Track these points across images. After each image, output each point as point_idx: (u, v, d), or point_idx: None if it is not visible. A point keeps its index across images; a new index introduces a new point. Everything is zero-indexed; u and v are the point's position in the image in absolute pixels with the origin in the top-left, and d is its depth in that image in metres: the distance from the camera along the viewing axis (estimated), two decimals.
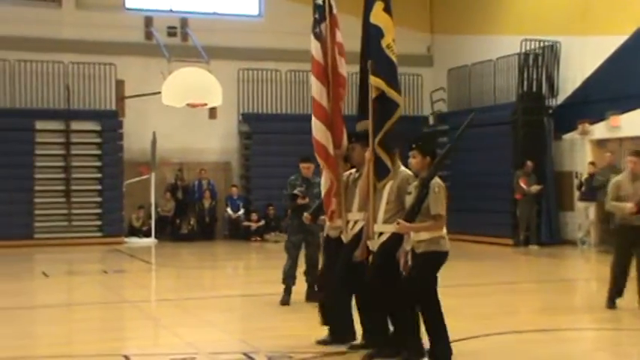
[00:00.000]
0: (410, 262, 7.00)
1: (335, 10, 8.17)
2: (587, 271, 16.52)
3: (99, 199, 21.55)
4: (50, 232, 20.84)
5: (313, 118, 8.10)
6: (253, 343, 8.21)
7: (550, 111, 20.30)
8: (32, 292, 13.33)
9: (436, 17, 25.15)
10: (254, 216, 22.26)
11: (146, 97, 20.85)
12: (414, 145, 7.11)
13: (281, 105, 23.77)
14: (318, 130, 8.05)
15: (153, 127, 21.34)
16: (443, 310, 7.05)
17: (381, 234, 7.29)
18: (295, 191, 10.82)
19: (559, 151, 20.22)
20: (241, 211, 22.54)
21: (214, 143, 23.06)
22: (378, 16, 7.50)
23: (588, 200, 18.62)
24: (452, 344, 7.09)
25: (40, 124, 21.19)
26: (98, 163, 21.69)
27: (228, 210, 22.57)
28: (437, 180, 6.95)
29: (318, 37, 8.18)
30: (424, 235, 6.92)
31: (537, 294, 12.79)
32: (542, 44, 20.35)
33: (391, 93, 7.44)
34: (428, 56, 25.17)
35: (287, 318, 10.04)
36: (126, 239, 21.25)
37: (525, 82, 20.44)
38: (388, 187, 7.35)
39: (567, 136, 19.99)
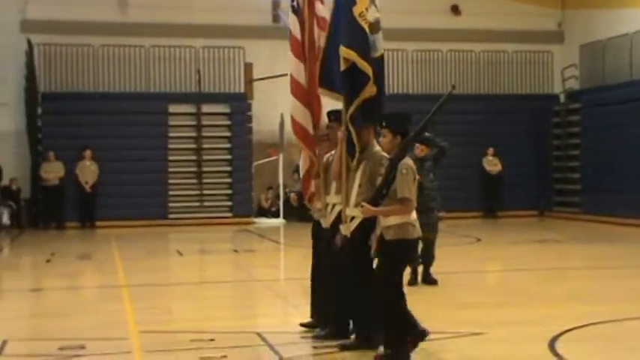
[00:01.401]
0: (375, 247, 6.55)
1: None
2: None
3: (229, 180, 22.07)
4: (183, 213, 21.52)
5: (291, 96, 7.70)
6: None
7: None
8: (168, 269, 13.82)
9: None
10: None
11: (274, 80, 21.13)
12: (384, 124, 6.58)
13: (407, 85, 23.62)
14: (296, 108, 7.64)
15: (281, 109, 21.55)
16: (408, 304, 6.57)
17: (353, 218, 6.85)
18: None
19: None
20: None
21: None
22: None
23: None
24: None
25: (172, 108, 21.86)
26: (228, 145, 22.19)
27: None
28: (405, 161, 6.41)
29: (295, 11, 7.68)
30: (392, 220, 6.40)
31: None
32: None
33: (362, 64, 6.88)
34: (559, 32, 24.42)
35: (414, 298, 9.96)
36: (255, 219, 21.68)
37: None
38: (361, 169, 6.87)
39: None
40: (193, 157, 21.99)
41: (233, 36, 22.22)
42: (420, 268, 10.74)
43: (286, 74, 22.44)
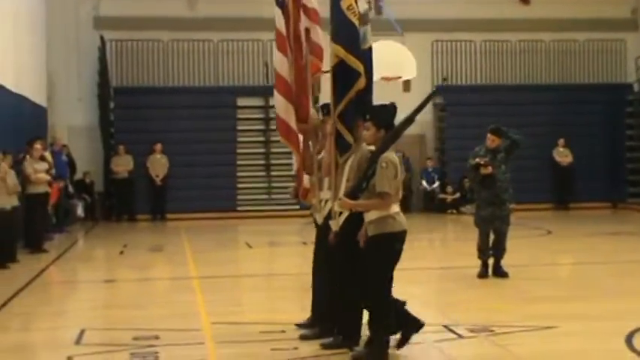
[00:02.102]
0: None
1: None
2: None
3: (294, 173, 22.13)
4: (252, 205, 21.71)
5: (275, 91, 7.55)
6: (452, 316, 8.20)
7: None
8: (237, 261, 13.98)
9: None
10: (449, 188, 22.13)
11: None
12: (367, 117, 6.47)
13: (476, 76, 23.40)
14: (279, 103, 7.48)
15: None
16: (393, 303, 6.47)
17: (341, 213, 6.76)
18: (477, 160, 10.50)
19: None
20: (436, 184, 22.47)
21: None
22: None
23: None
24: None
25: (241, 101, 22.06)
26: None
27: (423, 183, 22.56)
28: (387, 154, 6.29)
29: (280, 4, 7.54)
30: (372, 215, 6.30)
31: None
32: None
33: (351, 60, 6.76)
34: (632, 19, 23.85)
35: (485, 291, 9.95)
36: None
37: None
38: (349, 163, 6.75)
39: None
40: (262, 150, 22.15)
41: None
42: (491, 261, 10.65)
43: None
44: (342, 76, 6.86)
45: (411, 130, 23.82)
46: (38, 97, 18.78)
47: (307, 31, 7.58)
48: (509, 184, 10.53)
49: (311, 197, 7.48)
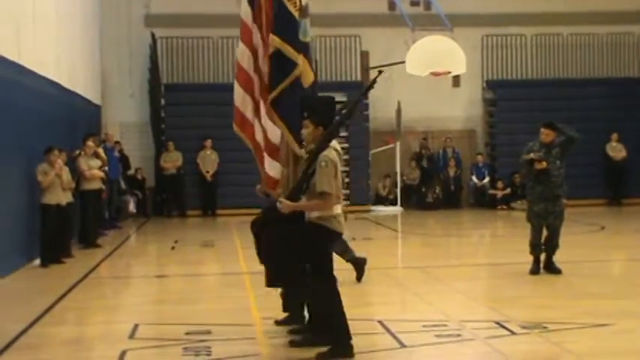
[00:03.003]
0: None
1: None
2: None
3: (346, 169, 22.14)
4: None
5: (235, 82, 7.59)
6: (504, 312, 8.13)
7: None
8: None
9: None
10: (500, 184, 21.94)
11: (390, 67, 21.07)
12: (305, 114, 6.32)
13: (527, 71, 23.16)
14: (238, 94, 7.52)
15: (397, 97, 21.58)
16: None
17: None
18: (532, 155, 10.38)
19: None
20: (487, 179, 22.29)
21: (458, 111, 22.92)
22: None
23: None
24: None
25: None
26: (345, 133, 22.25)
27: (474, 178, 22.40)
28: (327, 153, 6.14)
29: None
30: (314, 215, 6.26)
31: None
32: None
33: (288, 50, 6.77)
34: None
35: (537, 288, 9.84)
36: (372, 207, 21.71)
37: None
38: (304, 160, 6.62)
39: None
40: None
41: (349, 24, 22.30)
42: (543, 257, 10.54)
43: (403, 62, 22.33)
44: (278, 65, 6.95)
45: (461, 125, 23.77)
46: (92, 94, 19.06)
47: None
48: (563, 180, 10.41)
49: (278, 189, 7.41)
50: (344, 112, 6.61)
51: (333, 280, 6.49)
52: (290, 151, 7.12)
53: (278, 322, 7.64)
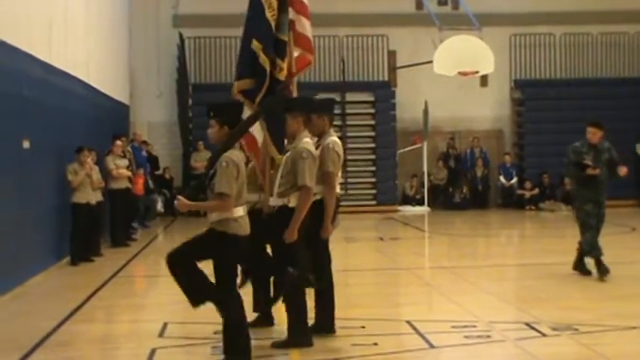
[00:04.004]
0: None
1: None
2: None
3: (373, 169, 22.15)
4: None
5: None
6: (534, 313, 8.08)
7: None
8: None
9: None
10: (528, 184, 21.81)
11: (417, 67, 21.04)
12: (211, 114, 6.25)
13: (556, 70, 23.00)
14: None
15: (424, 97, 21.52)
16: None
17: (274, 207, 6.77)
18: (586, 161, 10.15)
19: None
20: (514, 180, 22.17)
21: (486, 111, 22.81)
22: None
23: None
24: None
25: (317, 97, 22.08)
26: (372, 133, 22.27)
27: (501, 178, 22.29)
28: (229, 153, 6.04)
29: None
30: (214, 217, 6.06)
31: None
32: None
33: (263, 59, 6.99)
34: None
35: (566, 289, 9.77)
36: (399, 207, 21.67)
37: None
38: (284, 159, 6.77)
39: None
40: None
41: (376, 24, 22.26)
42: (571, 257, 10.46)
43: (430, 61, 22.25)
44: (258, 70, 7.11)
45: (489, 125, 23.67)
46: (121, 94, 19.18)
47: (292, 22, 7.55)
48: (606, 186, 10.28)
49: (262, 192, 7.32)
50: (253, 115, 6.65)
51: (234, 288, 6.27)
52: (269, 154, 7.10)
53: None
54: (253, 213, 6.74)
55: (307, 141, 6.80)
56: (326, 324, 7.29)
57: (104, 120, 16.41)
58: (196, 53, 22.33)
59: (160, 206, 19.87)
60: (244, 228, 6.11)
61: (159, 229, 18.22)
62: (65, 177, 12.39)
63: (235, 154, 6.11)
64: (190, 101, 22.20)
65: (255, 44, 7.06)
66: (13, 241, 9.92)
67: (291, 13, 7.55)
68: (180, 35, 21.78)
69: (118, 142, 14.78)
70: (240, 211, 6.08)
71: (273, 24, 7.12)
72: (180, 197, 6.11)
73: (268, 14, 7.07)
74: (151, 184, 19.13)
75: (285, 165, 6.76)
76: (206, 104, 6.60)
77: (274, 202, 6.82)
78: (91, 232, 12.79)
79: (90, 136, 14.07)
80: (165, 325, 7.84)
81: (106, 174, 14.16)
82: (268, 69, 7.05)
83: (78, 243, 12.47)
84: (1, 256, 9.45)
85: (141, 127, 21.10)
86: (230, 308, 6.16)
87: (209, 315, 8.37)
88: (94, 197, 12.83)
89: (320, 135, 7.08)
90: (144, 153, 18.57)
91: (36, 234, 11.18)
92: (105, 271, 11.59)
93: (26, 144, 10.63)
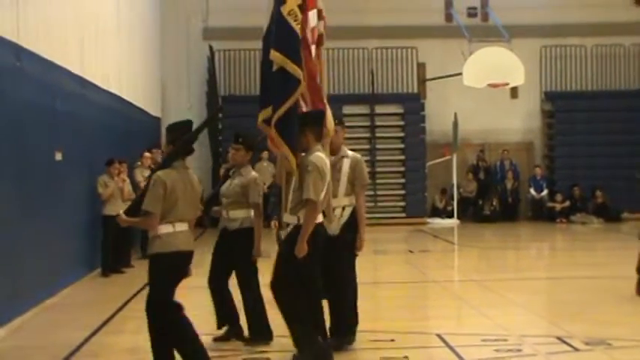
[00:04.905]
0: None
1: None
2: None
3: (402, 181, 22.10)
4: None
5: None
6: (566, 327, 8.00)
7: None
8: None
9: None
10: (559, 197, 21.64)
11: (447, 79, 21.00)
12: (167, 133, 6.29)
13: (587, 82, 22.84)
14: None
15: (454, 109, 21.45)
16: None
17: (288, 225, 6.63)
18: None
19: None
20: (545, 192, 22.01)
21: (516, 123, 22.69)
22: None
23: None
24: None
25: (347, 109, 22.09)
26: (401, 145, 22.23)
27: (532, 191, 22.13)
28: (160, 172, 6.04)
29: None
30: (150, 234, 6.11)
31: None
32: None
33: (291, 67, 6.57)
34: None
35: (599, 303, 9.65)
36: (429, 220, 21.59)
37: None
38: (296, 175, 6.61)
39: None
40: (367, 158, 22.11)
41: (406, 36, 22.25)
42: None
43: (460, 74, 22.23)
44: (281, 83, 6.72)
45: (519, 137, 23.57)
46: (152, 107, 19.34)
47: (321, 36, 7.36)
48: None
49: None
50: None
51: (168, 309, 6.20)
52: (284, 169, 6.89)
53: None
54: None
55: (317, 155, 6.61)
56: (343, 336, 7.20)
57: (136, 132, 16.55)
58: (226, 66, 22.46)
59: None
60: (172, 244, 6.06)
61: None
62: (96, 189, 12.49)
63: (167, 173, 6.06)
64: (220, 114, 22.31)
65: (276, 56, 6.73)
66: (45, 253, 10.02)
67: (321, 26, 7.37)
68: (211, 48, 21.92)
69: (147, 154, 14.87)
70: (166, 228, 6.04)
71: (299, 31, 6.78)
72: (120, 212, 6.16)
73: (293, 23, 6.73)
74: None
75: (295, 180, 6.66)
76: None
77: (287, 219, 6.70)
78: (121, 244, 12.88)
79: (122, 149, 14.19)
80: None
81: (135, 186, 14.25)
82: (302, 76, 6.74)
83: (108, 255, 12.56)
84: (34, 268, 9.54)
85: None
86: (170, 332, 6.23)
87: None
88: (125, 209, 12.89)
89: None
90: None
91: (68, 245, 11.28)
92: (135, 282, 11.63)
93: (59, 156, 10.74)
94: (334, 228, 7.14)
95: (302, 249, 6.40)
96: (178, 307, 6.23)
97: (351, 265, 7.37)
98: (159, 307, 6.12)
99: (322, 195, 6.52)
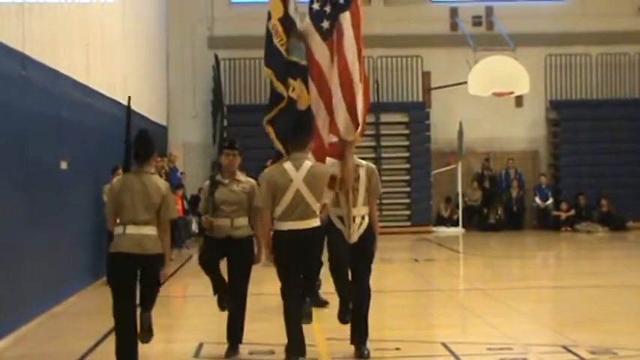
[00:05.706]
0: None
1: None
2: None
3: (407, 189, 22.09)
4: None
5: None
6: (571, 336, 7.98)
7: None
8: None
9: None
10: (564, 205, 21.61)
11: (452, 88, 21.02)
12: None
13: (592, 90, 22.83)
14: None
15: (459, 117, 21.46)
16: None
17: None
18: None
19: None
20: (550, 201, 21.98)
21: (521, 132, 22.68)
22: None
23: None
24: None
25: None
26: (406, 154, 22.24)
27: (537, 199, 22.11)
28: (116, 179, 6.66)
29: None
30: None
31: None
32: None
33: (276, 84, 7.60)
34: None
35: (605, 312, 9.63)
36: (434, 228, 21.58)
37: None
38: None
39: None
40: None
41: (411, 45, 22.28)
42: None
43: (465, 82, 22.25)
44: (272, 94, 8.09)
45: (524, 145, 23.55)
46: (158, 115, 19.38)
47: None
48: None
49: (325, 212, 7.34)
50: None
51: (113, 313, 6.70)
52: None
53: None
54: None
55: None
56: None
57: None
58: (231, 74, 22.51)
59: (194, 227, 19.95)
60: (119, 245, 6.49)
61: (193, 250, 18.27)
62: (101, 197, 12.49)
63: (118, 177, 6.79)
64: (225, 122, 22.33)
65: (266, 71, 7.96)
66: (50, 261, 10.03)
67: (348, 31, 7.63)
68: (216, 57, 21.79)
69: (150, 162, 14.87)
70: (119, 230, 6.52)
71: (282, 49, 7.83)
72: None
73: (276, 41, 7.77)
74: (185, 205, 19.26)
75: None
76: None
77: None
78: None
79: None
80: (200, 345, 7.88)
81: None
82: (285, 93, 7.84)
83: None
84: (38, 276, 9.55)
85: (176, 147, 21.28)
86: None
87: (244, 335, 8.42)
88: None
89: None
90: (179, 174, 18.70)
91: (73, 254, 11.29)
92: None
93: (64, 165, 10.77)
94: (354, 237, 7.26)
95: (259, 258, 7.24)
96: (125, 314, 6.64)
97: (367, 275, 7.29)
98: (113, 309, 6.61)
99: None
